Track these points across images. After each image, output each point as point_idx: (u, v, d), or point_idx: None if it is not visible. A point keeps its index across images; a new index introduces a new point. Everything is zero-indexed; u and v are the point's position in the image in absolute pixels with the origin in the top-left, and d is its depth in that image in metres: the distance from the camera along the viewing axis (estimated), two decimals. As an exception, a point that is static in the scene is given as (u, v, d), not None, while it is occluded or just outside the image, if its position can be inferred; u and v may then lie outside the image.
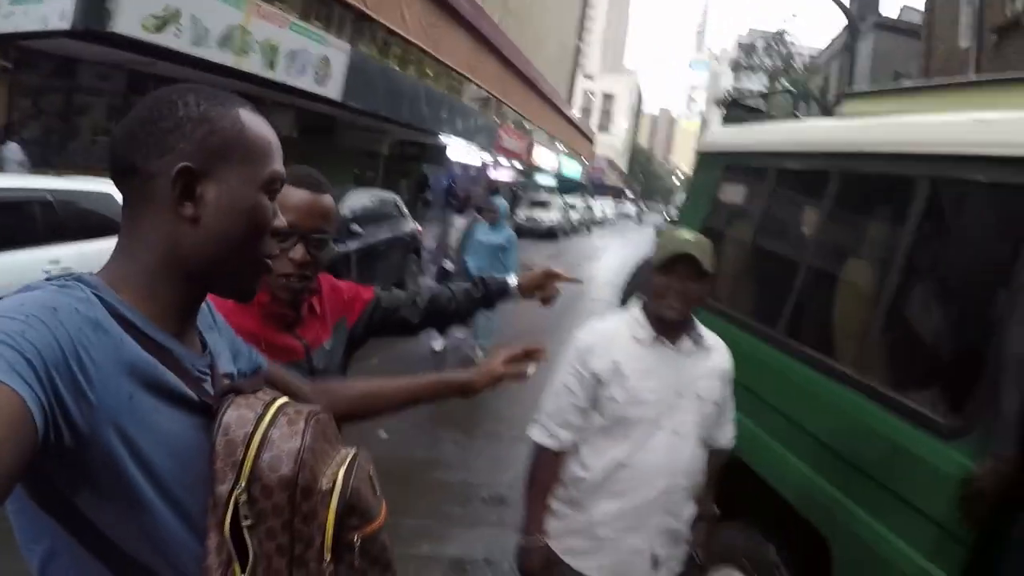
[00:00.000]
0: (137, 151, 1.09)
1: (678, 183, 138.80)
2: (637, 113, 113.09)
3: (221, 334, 1.35)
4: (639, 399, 2.51)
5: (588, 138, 62.57)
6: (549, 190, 46.21)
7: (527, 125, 38.78)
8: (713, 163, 4.44)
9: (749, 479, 3.18)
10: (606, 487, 2.53)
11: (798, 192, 3.85)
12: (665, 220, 46.16)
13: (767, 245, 3.91)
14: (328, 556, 1.12)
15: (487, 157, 31.34)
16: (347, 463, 1.18)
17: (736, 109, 4.66)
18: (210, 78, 12.14)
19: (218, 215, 1.11)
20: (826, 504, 2.79)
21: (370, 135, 20.59)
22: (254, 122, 1.17)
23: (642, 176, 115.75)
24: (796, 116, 3.97)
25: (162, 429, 1.05)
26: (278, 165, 1.20)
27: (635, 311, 2.64)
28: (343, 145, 19.92)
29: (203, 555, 1.10)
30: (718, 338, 2.73)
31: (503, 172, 37.16)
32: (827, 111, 4.00)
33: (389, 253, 12.72)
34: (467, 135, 25.13)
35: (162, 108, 1.11)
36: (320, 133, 18.60)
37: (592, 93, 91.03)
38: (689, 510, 2.67)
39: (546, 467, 2.65)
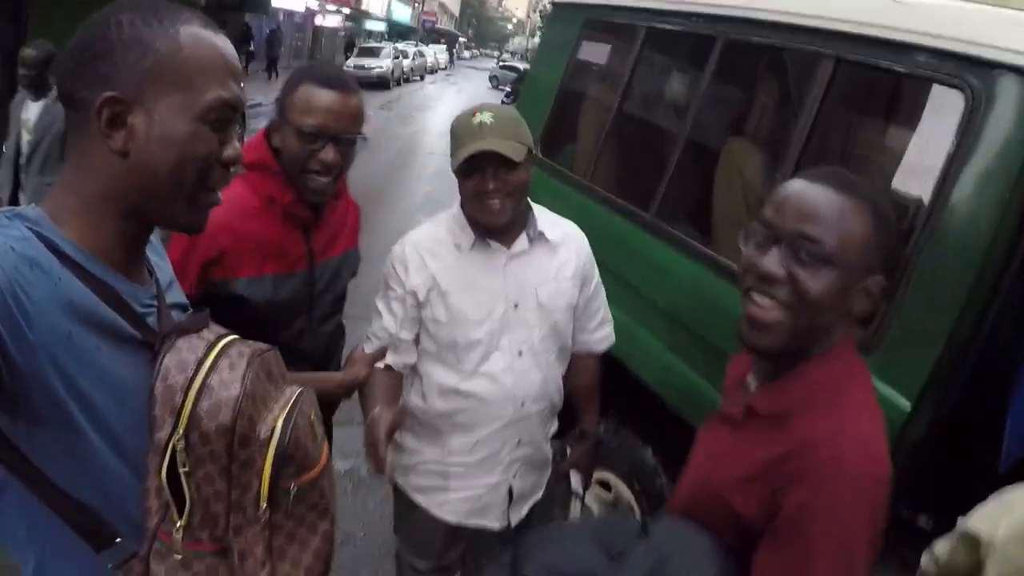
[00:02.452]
0: (72, 78, 1.04)
1: (511, 28, 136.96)
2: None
3: (165, 264, 1.31)
4: (465, 317, 2.09)
5: (420, -20, 59.83)
6: (379, 36, 44.32)
7: (355, -35, 36.43)
8: (571, 16, 3.99)
9: (617, 374, 2.93)
10: (448, 419, 2.17)
11: (674, 57, 3.49)
12: (498, 65, 45.30)
13: (635, 115, 3.56)
14: (264, 503, 1.13)
15: (313, 3, 29.31)
16: (287, 410, 1.16)
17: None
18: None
19: (148, 147, 1.05)
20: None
21: (185, -20, 18.62)
22: (196, 41, 1.07)
23: (475, 21, 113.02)
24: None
25: (103, 367, 1.04)
26: (224, 91, 1.09)
27: (455, 210, 2.16)
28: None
29: (143, 495, 1.10)
30: (570, 226, 2.28)
31: (331, 18, 35.02)
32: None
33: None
34: (291, -22, 23.35)
35: (95, 31, 1.04)
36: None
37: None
38: (549, 431, 2.36)
39: (379, 384, 2.19)
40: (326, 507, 1.24)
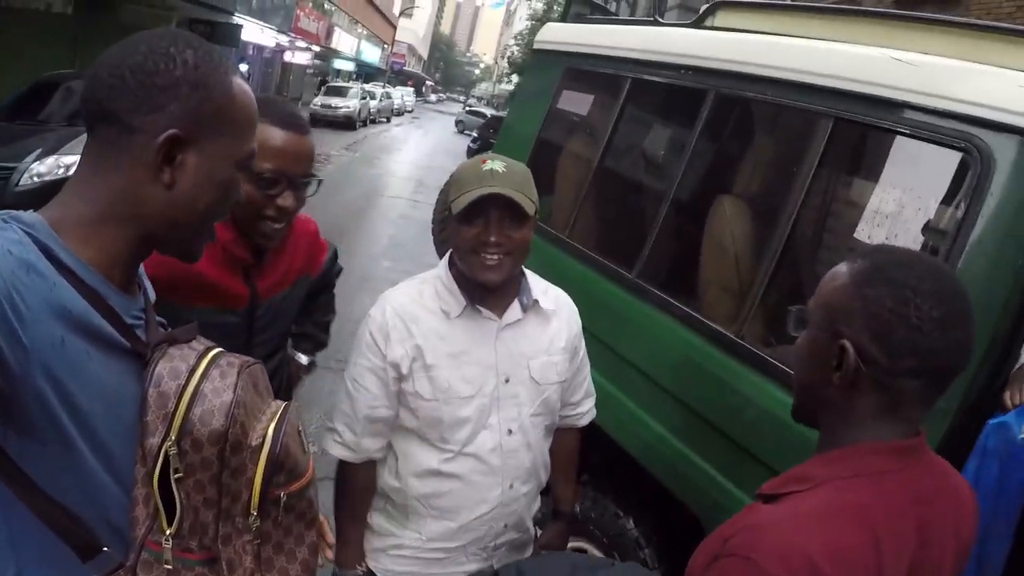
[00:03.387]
0: (122, 100, 1.05)
1: (479, 73, 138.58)
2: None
3: (147, 284, 1.31)
4: (452, 393, 1.89)
5: (391, 23, 60.30)
6: (348, 76, 44.58)
7: (327, 6, 36.48)
8: (551, 64, 3.90)
9: (595, 440, 2.78)
10: (427, 502, 1.95)
11: (661, 110, 3.40)
12: (465, 110, 45.72)
13: (618, 170, 3.46)
14: (254, 512, 1.14)
15: (283, 39, 29.32)
16: (277, 418, 1.18)
17: (579, 4, 4.11)
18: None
19: (194, 185, 1.10)
20: (700, 482, 2.45)
21: (156, 12, 18.36)
22: (243, 94, 1.14)
23: (443, 64, 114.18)
24: (657, 21, 3.47)
25: (93, 375, 1.03)
26: (255, 143, 1.18)
27: (441, 272, 1.97)
28: (125, 24, 17.72)
29: (130, 506, 1.10)
30: (561, 294, 2.11)
31: (300, 55, 35.05)
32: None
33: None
34: (262, 15, 23.25)
35: (158, 60, 1.06)
36: (98, 10, 16.38)
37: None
38: (534, 510, 2.17)
39: (354, 482, 2.03)
40: (313, 517, 1.26)
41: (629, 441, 2.72)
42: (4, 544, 1.07)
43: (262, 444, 1.14)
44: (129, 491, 1.11)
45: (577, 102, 3.77)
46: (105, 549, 1.09)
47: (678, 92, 3.07)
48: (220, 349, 1.19)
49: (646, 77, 3.18)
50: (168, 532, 1.10)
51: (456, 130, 40.30)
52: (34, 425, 0.99)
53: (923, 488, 1.18)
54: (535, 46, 4.16)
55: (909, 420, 1.19)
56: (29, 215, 1.04)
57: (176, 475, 1.08)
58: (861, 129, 2.33)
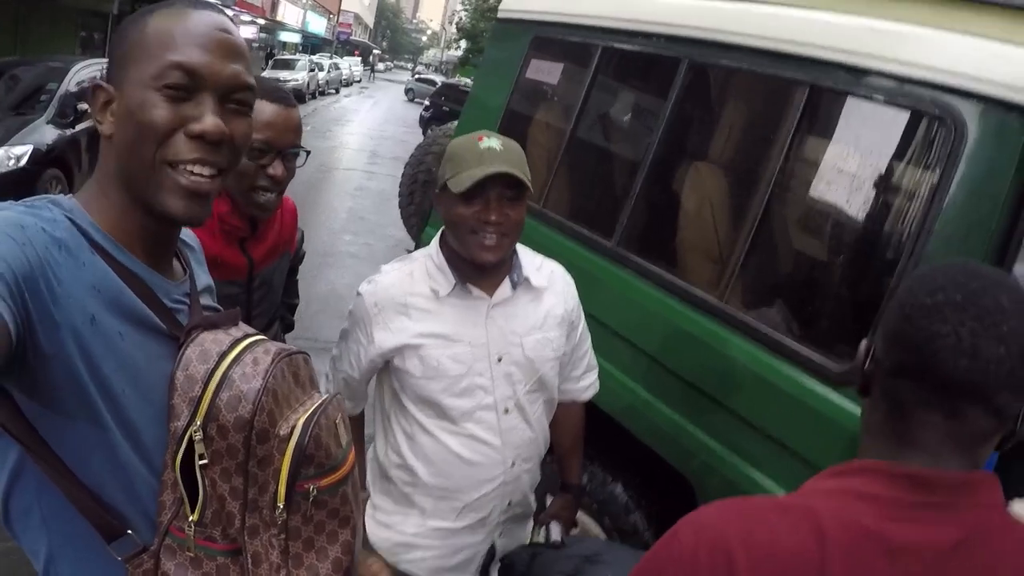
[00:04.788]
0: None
1: (426, 40, 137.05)
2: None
3: (203, 271, 1.32)
4: (441, 373, 1.88)
5: (334, -9, 59.24)
6: (295, 48, 43.82)
7: (269, -25, 35.73)
8: (518, 33, 3.86)
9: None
10: (430, 482, 1.96)
11: (632, 79, 3.41)
12: (414, 78, 45.32)
13: (591, 139, 3.47)
14: (281, 504, 1.10)
15: (227, 13, 28.64)
16: (311, 410, 1.15)
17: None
18: None
19: (119, 125, 1.07)
20: (690, 447, 2.51)
21: (97, -5, 17.89)
22: (161, 18, 1.07)
23: (389, 33, 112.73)
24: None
25: (125, 354, 1.03)
26: (178, 55, 1.05)
27: (432, 250, 1.95)
28: (67, 7, 17.15)
29: (159, 490, 1.10)
30: (556, 268, 2.09)
31: (246, 29, 34.28)
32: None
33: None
34: (202, -15, 22.72)
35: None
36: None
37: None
38: (535, 483, 2.17)
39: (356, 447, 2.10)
40: (348, 515, 1.19)
41: (616, 407, 2.77)
42: (38, 524, 1.09)
43: (291, 435, 1.10)
44: (159, 475, 1.10)
45: (547, 71, 3.75)
46: (129, 532, 1.08)
47: (650, 61, 3.08)
48: (261, 337, 1.16)
49: (617, 46, 3.19)
50: (191, 519, 1.09)
51: (406, 99, 39.94)
52: (64, 403, 0.98)
53: (940, 538, 0.95)
54: (500, 15, 4.12)
55: (926, 448, 0.99)
56: (66, 199, 1.06)
57: (201, 461, 1.06)
58: (836, 97, 2.36)
